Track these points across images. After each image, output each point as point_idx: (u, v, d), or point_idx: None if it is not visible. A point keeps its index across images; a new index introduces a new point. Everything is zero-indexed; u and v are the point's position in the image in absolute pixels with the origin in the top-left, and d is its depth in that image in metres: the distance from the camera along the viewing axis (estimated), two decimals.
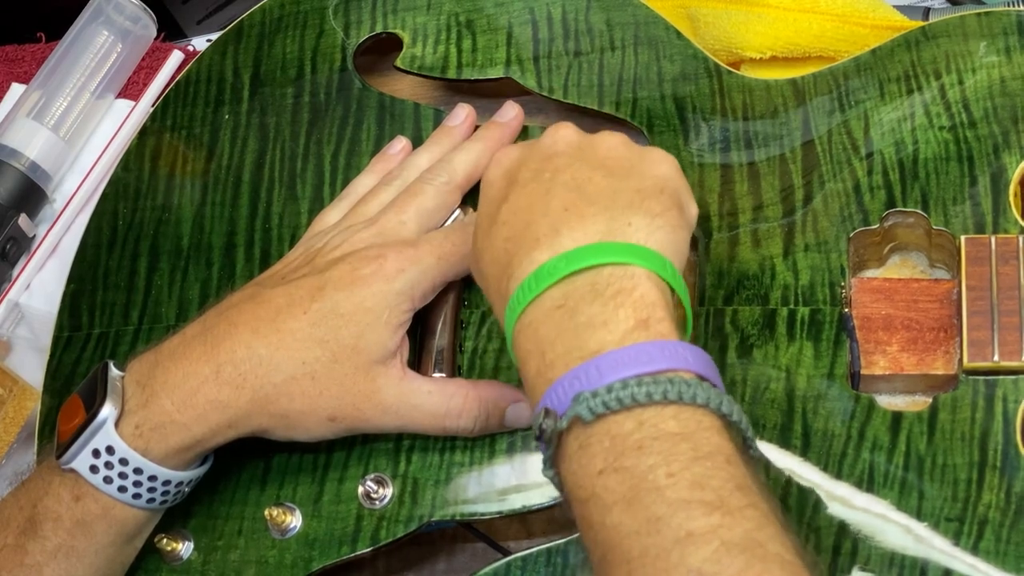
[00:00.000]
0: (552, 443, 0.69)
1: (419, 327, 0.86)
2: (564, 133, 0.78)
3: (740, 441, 0.69)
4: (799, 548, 0.65)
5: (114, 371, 0.81)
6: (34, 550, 0.80)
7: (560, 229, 0.72)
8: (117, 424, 0.79)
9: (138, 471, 0.79)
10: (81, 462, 0.79)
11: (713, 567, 0.62)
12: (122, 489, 0.80)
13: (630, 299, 0.70)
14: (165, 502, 0.82)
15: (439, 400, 0.82)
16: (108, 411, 0.79)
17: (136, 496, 0.80)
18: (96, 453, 0.79)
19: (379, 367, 0.81)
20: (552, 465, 0.70)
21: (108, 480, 0.79)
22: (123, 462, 0.79)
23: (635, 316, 0.69)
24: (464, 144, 0.89)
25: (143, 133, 0.98)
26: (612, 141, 0.78)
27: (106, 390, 0.80)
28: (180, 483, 0.81)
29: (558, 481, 0.70)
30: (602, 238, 0.72)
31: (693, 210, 0.78)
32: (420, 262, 0.82)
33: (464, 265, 0.84)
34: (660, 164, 0.77)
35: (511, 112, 0.90)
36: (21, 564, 0.80)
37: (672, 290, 0.73)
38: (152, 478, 0.80)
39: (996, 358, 0.79)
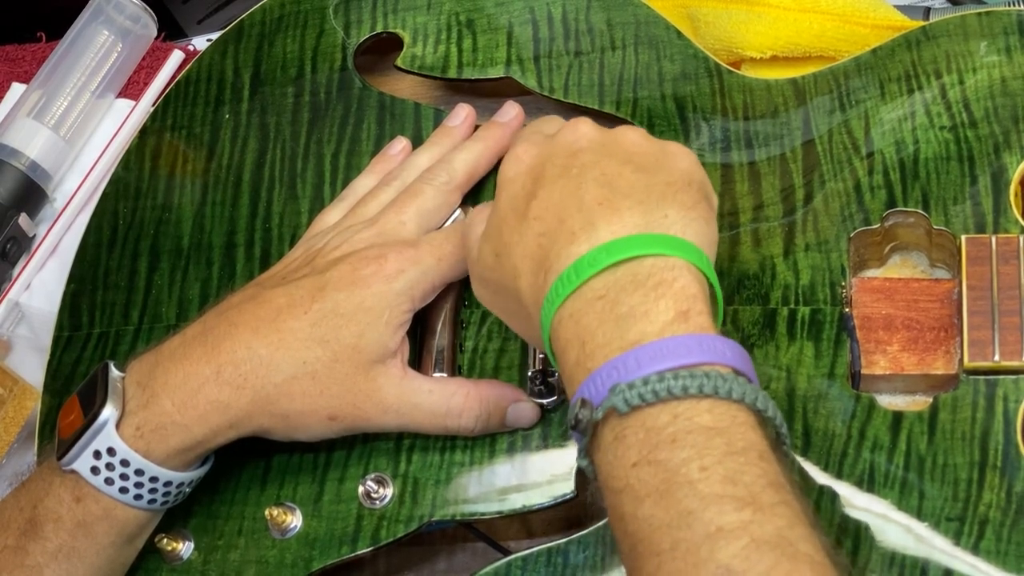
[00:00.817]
0: (587, 433, 0.69)
1: (419, 327, 0.86)
2: (585, 129, 0.77)
3: (774, 437, 0.69)
4: (829, 548, 0.65)
5: (114, 372, 0.81)
6: (35, 551, 0.80)
7: (596, 223, 0.72)
8: (118, 425, 0.79)
9: (139, 472, 0.79)
10: (82, 463, 0.79)
11: (742, 563, 0.62)
12: (123, 490, 0.80)
13: (671, 290, 0.70)
14: (166, 503, 0.82)
15: (440, 399, 0.82)
16: (109, 412, 0.79)
17: (137, 497, 0.80)
18: (97, 454, 0.79)
19: (379, 366, 0.81)
20: (587, 455, 0.70)
21: (109, 481, 0.79)
22: (124, 463, 0.79)
23: (675, 308, 0.69)
24: (464, 144, 0.89)
25: (143, 133, 0.98)
26: (633, 136, 0.77)
27: (107, 391, 0.80)
28: (181, 484, 0.81)
29: (592, 470, 0.70)
30: (640, 230, 0.72)
31: (715, 200, 0.78)
32: (420, 263, 0.82)
33: (465, 266, 0.84)
34: (682, 158, 0.77)
35: (511, 112, 0.90)
36: (22, 565, 0.80)
37: (708, 282, 0.73)
38: (153, 479, 0.80)
39: (997, 358, 0.79)
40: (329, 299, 0.81)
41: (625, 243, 0.71)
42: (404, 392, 0.82)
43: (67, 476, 0.80)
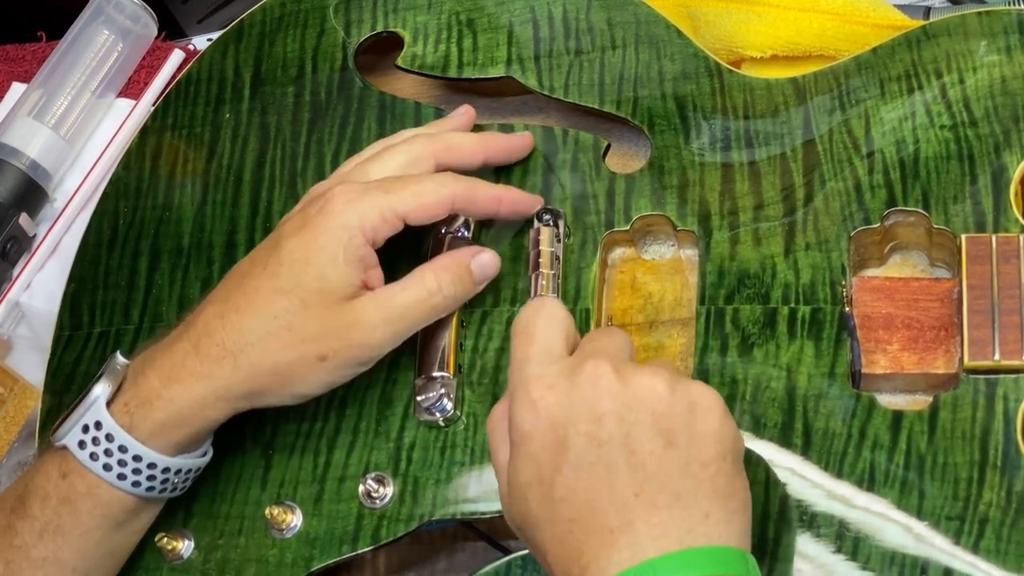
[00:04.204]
0: None
1: None
2: (605, 383, 0.72)
3: None
4: None
5: (120, 358, 0.82)
6: (23, 530, 0.81)
7: (634, 523, 0.69)
8: (110, 404, 0.80)
9: (123, 449, 0.80)
10: (71, 438, 0.80)
11: None
12: (107, 467, 0.80)
13: None
14: (152, 488, 0.81)
15: (416, 289, 0.82)
16: (101, 388, 0.80)
17: (121, 477, 0.80)
18: (85, 428, 0.80)
19: (350, 302, 0.81)
20: None
21: (94, 457, 0.80)
22: (109, 438, 0.80)
23: None
24: (457, 130, 0.89)
25: (144, 132, 0.98)
26: (659, 388, 0.72)
27: (105, 371, 0.81)
28: (167, 470, 0.81)
29: None
30: (682, 539, 0.69)
31: (742, 447, 0.74)
32: (367, 194, 0.81)
33: (429, 212, 0.83)
34: (711, 415, 0.72)
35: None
36: (10, 546, 0.81)
37: None
38: (137, 458, 0.80)
39: (997, 357, 0.79)
40: (284, 249, 0.81)
41: (672, 564, 0.68)
42: (384, 305, 0.81)
43: (57, 452, 0.81)
